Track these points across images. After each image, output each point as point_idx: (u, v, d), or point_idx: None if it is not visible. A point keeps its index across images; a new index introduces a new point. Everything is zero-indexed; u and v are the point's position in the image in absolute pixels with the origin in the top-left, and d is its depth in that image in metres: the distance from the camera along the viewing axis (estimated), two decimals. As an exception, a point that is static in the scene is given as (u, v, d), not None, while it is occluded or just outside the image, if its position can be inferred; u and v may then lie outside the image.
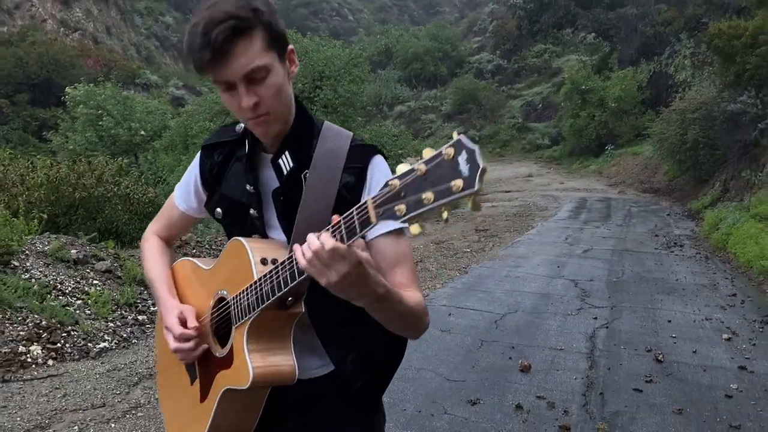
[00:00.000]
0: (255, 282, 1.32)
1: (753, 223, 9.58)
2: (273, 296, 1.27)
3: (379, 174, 1.41)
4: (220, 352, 1.43)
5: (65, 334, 4.24)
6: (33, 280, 4.68)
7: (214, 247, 8.14)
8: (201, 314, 1.51)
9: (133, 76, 38.94)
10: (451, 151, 0.99)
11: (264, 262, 1.35)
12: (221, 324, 1.47)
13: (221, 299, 1.46)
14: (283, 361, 1.36)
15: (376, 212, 1.07)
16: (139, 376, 3.92)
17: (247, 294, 1.34)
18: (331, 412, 1.49)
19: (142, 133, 19.00)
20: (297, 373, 1.36)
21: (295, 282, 1.23)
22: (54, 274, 4.91)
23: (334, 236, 1.13)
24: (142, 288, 5.41)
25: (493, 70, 48.39)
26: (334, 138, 1.43)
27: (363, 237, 1.14)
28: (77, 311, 4.57)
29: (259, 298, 1.30)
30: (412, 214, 1.02)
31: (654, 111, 22.94)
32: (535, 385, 4.04)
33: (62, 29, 43.86)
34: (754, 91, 13.60)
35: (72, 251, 5.30)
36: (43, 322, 4.22)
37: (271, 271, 1.28)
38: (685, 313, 6.04)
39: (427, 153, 1.03)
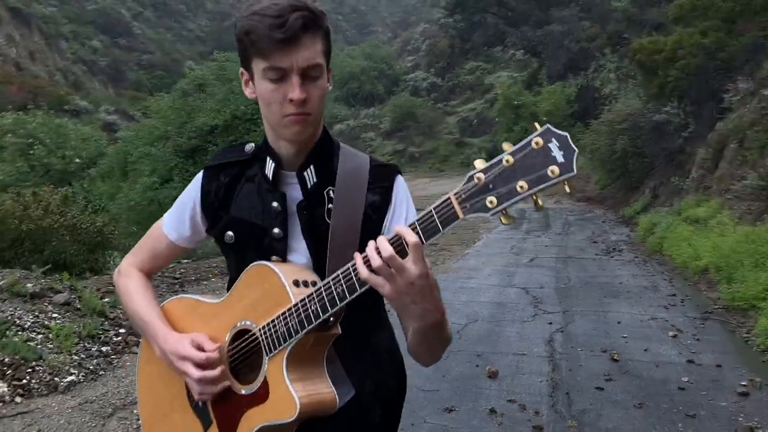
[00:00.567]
0: (294, 305, 1.25)
1: (685, 226, 10.16)
2: (324, 314, 1.22)
3: (402, 192, 1.41)
4: (246, 388, 1.33)
5: (30, 370, 4.14)
6: (-10, 316, 4.56)
7: (166, 274, 8.03)
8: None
9: (62, 103, 37.72)
10: (540, 140, 1.01)
11: (297, 284, 1.28)
12: (239, 360, 1.38)
13: (242, 332, 1.36)
14: (324, 389, 1.30)
15: (463, 207, 1.07)
16: (113, 407, 3.88)
17: (285, 319, 1.26)
18: None
19: (77, 160, 18.48)
20: (338, 401, 1.31)
21: (355, 294, 1.19)
22: (11, 309, 4.78)
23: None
24: (102, 319, 5.33)
25: (428, 87, 49.32)
26: (354, 157, 1.42)
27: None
28: (39, 346, 4.47)
29: (305, 320, 1.24)
30: (504, 205, 1.04)
31: (583, 123, 23.84)
32: (505, 390, 4.22)
33: (-18, 56, 42.17)
34: (676, 102, 14.43)
35: (28, 285, 5.18)
36: (6, 359, 4.11)
37: (318, 289, 1.23)
38: (632, 314, 6.37)
39: (508, 146, 1.05)
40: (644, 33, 22.07)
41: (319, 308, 1.22)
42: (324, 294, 1.21)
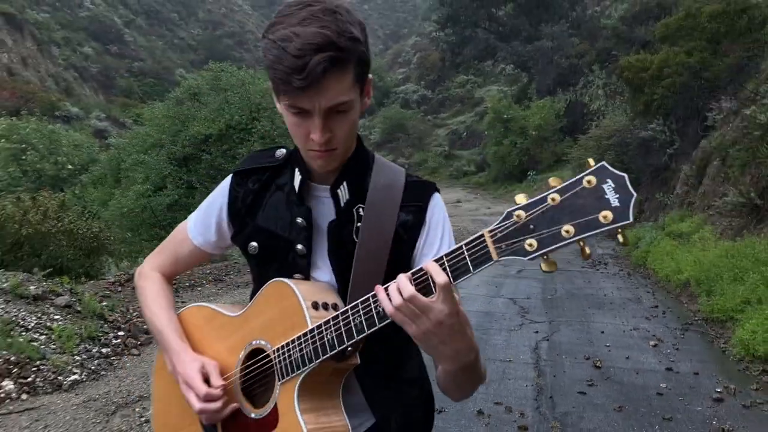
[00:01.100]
0: (311, 330, 1.18)
1: (668, 241, 10.43)
2: (341, 345, 1.14)
3: (438, 213, 1.31)
4: (256, 412, 1.27)
5: (35, 369, 4.29)
6: (-5, 317, 4.70)
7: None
8: (225, 368, 1.33)
9: (53, 108, 37.72)
10: (593, 178, 0.90)
11: (316, 306, 1.21)
12: (253, 380, 1.31)
13: (257, 351, 1.29)
14: (336, 422, 1.21)
15: (497, 248, 0.96)
16: (116, 405, 4.03)
17: (300, 344, 1.19)
18: None
19: (70, 167, 18.56)
20: None
21: (373, 329, 1.11)
22: (15, 310, 4.92)
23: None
24: (101, 322, 5.48)
25: (418, 100, 49.81)
26: (389, 172, 1.33)
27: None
28: (43, 346, 4.61)
29: (320, 348, 1.16)
30: (547, 249, 0.92)
31: (572, 138, 24.19)
32: (492, 393, 4.41)
33: (-26, 60, 42.13)
34: (662, 120, 14.75)
35: (30, 287, 5.32)
36: (12, 358, 4.26)
37: (336, 317, 1.16)
38: (616, 325, 6.59)
39: (556, 181, 0.94)
40: (632, 50, 22.50)
41: (335, 338, 1.14)
42: (342, 323, 1.14)
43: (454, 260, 1.00)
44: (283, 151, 1.38)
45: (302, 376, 1.19)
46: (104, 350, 5.04)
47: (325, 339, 1.15)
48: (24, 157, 18.39)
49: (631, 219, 0.87)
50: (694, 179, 12.60)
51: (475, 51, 37.59)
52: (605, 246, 13.50)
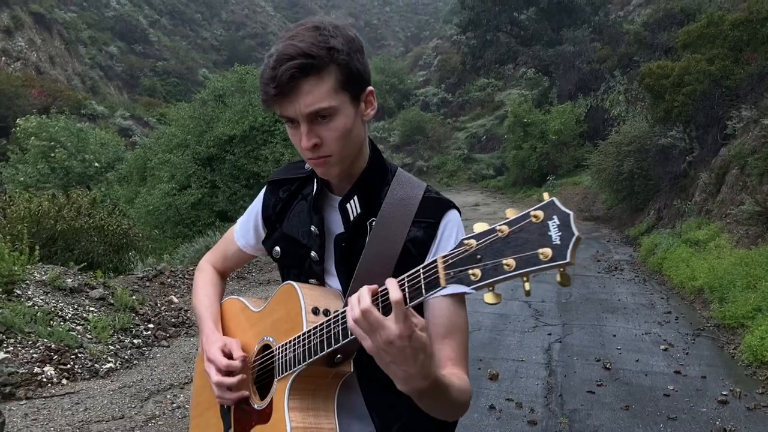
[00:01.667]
0: (303, 333, 1.23)
1: (684, 248, 10.51)
2: (321, 351, 1.18)
3: (450, 230, 1.31)
4: (258, 404, 1.34)
5: (74, 356, 4.58)
6: (36, 307, 4.99)
7: (187, 277, 8.45)
8: (247, 353, 1.41)
9: (79, 107, 38.45)
10: (540, 213, 0.89)
11: (316, 311, 1.26)
12: (263, 373, 1.38)
13: (266, 346, 1.36)
14: (324, 424, 1.25)
15: (446, 274, 0.96)
16: (149, 392, 4.30)
17: (294, 345, 1.24)
18: None
19: (96, 165, 19.01)
20: None
21: (346, 340, 1.13)
22: (54, 301, 5.23)
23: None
24: (133, 314, 5.76)
25: (438, 102, 49.84)
26: (407, 187, 1.35)
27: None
28: (80, 336, 4.90)
29: (307, 352, 1.21)
30: (487, 282, 0.92)
31: (592, 143, 24.10)
32: (504, 390, 4.61)
33: (4, 58, 43.01)
34: (681, 127, 14.77)
35: (67, 280, 5.62)
36: (53, 346, 4.55)
37: (322, 324, 1.20)
38: (628, 329, 6.74)
39: (511, 213, 0.94)
40: (654, 56, 22.48)
41: (318, 344, 1.19)
42: (325, 330, 1.18)
43: (412, 282, 1.01)
44: None
45: (293, 375, 1.24)
46: (136, 341, 5.31)
47: (312, 343, 1.19)
48: (53, 155, 18.85)
49: (568, 259, 0.84)
50: (713, 187, 12.64)
51: (496, 55, 37.55)
52: (622, 252, 13.59)
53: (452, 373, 1.18)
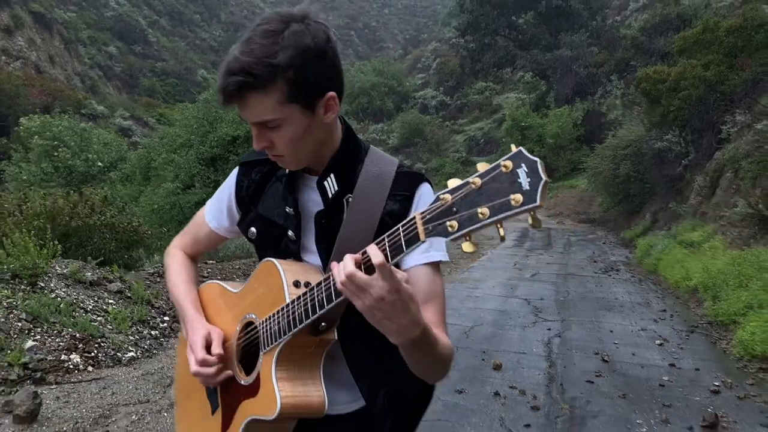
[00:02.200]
0: (287, 305, 1.27)
1: (680, 249, 10.77)
2: (306, 319, 1.22)
3: (425, 202, 1.35)
4: (245, 379, 1.37)
5: (97, 345, 4.79)
6: (59, 298, 5.20)
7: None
8: (228, 339, 1.45)
9: (79, 107, 38.61)
10: (510, 163, 0.94)
11: (297, 284, 1.30)
12: (248, 350, 1.42)
13: (249, 323, 1.40)
14: (312, 392, 1.29)
15: (425, 228, 1.02)
16: (171, 379, 4.51)
17: (278, 318, 1.28)
18: None
19: (99, 164, 19.21)
20: (326, 405, 1.30)
21: (331, 304, 1.18)
22: (75, 293, 5.44)
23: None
24: (149, 307, 5.98)
25: (437, 105, 50.16)
26: (380, 163, 1.39)
27: (397, 264, 1.10)
28: (101, 326, 5.12)
29: (291, 322, 1.25)
30: (464, 231, 0.97)
31: (588, 147, 24.33)
32: (507, 379, 4.84)
33: (4, 58, 43.15)
34: (677, 131, 15.02)
35: (87, 274, 5.83)
36: (77, 335, 4.76)
37: (305, 293, 1.24)
38: (624, 325, 6.97)
39: (482, 167, 0.99)
40: (651, 61, 22.74)
41: (302, 312, 1.23)
42: (308, 299, 1.23)
43: (392, 240, 1.07)
44: None
45: (279, 347, 1.27)
46: (153, 332, 5.53)
47: (296, 313, 1.23)
48: (56, 154, 19.04)
49: (538, 202, 0.90)
50: (708, 190, 12.90)
51: (494, 58, 37.88)
52: (618, 254, 13.85)
53: (437, 333, 1.22)
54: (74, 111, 36.91)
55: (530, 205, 0.90)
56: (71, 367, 4.44)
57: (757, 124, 11.12)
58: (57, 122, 19.64)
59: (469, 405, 4.26)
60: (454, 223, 0.97)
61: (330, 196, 1.35)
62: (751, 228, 9.48)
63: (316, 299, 1.20)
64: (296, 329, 1.23)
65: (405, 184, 1.36)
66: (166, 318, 5.97)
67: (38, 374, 4.20)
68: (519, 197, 0.91)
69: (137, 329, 5.44)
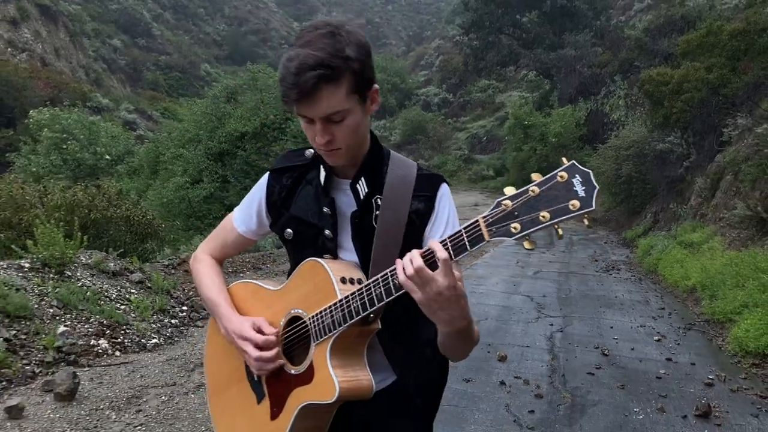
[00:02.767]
0: (339, 300, 1.39)
1: (679, 250, 11.01)
2: (364, 312, 1.35)
3: (445, 201, 1.53)
4: (296, 369, 1.49)
5: (123, 332, 5.05)
6: (85, 287, 5.46)
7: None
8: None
9: (84, 99, 38.80)
10: (565, 174, 1.11)
11: (344, 281, 1.42)
12: (292, 343, 1.52)
13: (295, 318, 1.51)
14: (362, 376, 1.43)
15: (489, 230, 1.17)
16: (193, 364, 4.77)
17: (331, 312, 1.40)
18: (392, 423, 1.56)
19: (107, 157, 19.44)
20: (374, 388, 1.44)
21: (390, 297, 1.32)
22: (99, 282, 5.70)
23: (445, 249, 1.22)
24: (169, 297, 6.23)
25: (439, 103, 50.23)
26: (402, 166, 1.54)
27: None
28: (125, 314, 5.37)
29: (347, 315, 1.38)
30: (527, 231, 1.13)
31: (591, 147, 24.46)
32: (512, 370, 5.10)
33: (9, 50, 43.31)
34: (679, 133, 15.19)
35: (109, 264, 6.09)
36: (105, 322, 5.02)
37: (360, 289, 1.37)
38: (624, 322, 7.22)
39: (536, 177, 1.16)
40: (655, 62, 22.85)
41: (359, 306, 1.36)
42: (365, 294, 1.36)
43: (455, 240, 1.23)
44: (312, 151, 1.58)
45: (333, 338, 1.41)
46: (173, 321, 5.79)
47: (352, 307, 1.37)
48: (65, 146, 19.27)
49: (593, 206, 1.07)
50: (708, 192, 13.09)
51: (498, 56, 37.89)
52: (619, 253, 14.09)
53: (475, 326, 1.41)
54: (79, 104, 37.20)
55: (587, 209, 1.08)
56: (100, 351, 4.70)
57: (758, 128, 11.33)
58: (66, 115, 19.89)
59: (477, 393, 4.51)
60: (517, 225, 1.14)
61: (362, 197, 1.49)
62: (749, 230, 9.71)
63: (373, 293, 1.34)
64: (352, 321, 1.37)
65: (427, 185, 1.52)
66: (185, 308, 6.22)
67: (71, 357, 4.45)
68: (576, 202, 1.09)
69: (158, 318, 5.69)
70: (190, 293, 6.79)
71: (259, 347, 1.49)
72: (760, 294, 6.68)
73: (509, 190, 1.19)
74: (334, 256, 1.52)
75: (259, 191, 1.65)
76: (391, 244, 1.41)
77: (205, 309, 6.29)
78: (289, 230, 1.58)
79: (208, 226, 13.78)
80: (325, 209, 1.52)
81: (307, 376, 1.44)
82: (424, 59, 65.36)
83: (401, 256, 1.31)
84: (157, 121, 42.39)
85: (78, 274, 5.66)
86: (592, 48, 32.66)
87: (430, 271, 1.22)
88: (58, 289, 5.07)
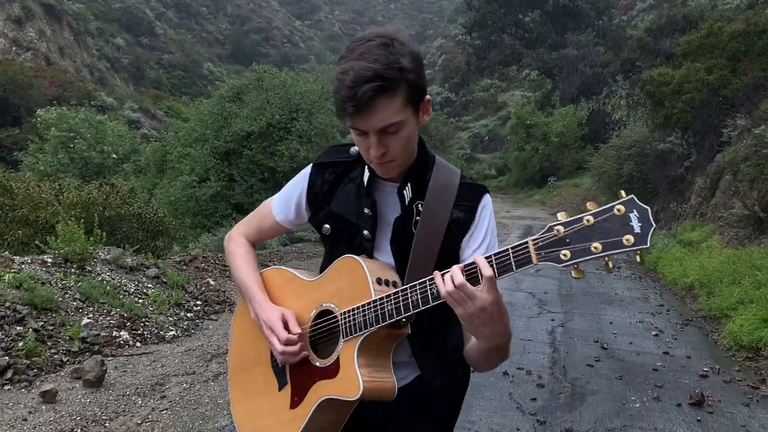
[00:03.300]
0: (374, 301, 1.39)
1: (679, 248, 11.22)
2: (398, 316, 1.35)
3: (486, 213, 1.51)
4: (321, 362, 1.48)
5: (142, 324, 5.28)
6: (104, 282, 5.69)
7: (218, 262, 9.14)
8: (299, 321, 1.54)
9: (89, 98, 39.05)
10: (622, 208, 1.08)
11: (379, 281, 1.42)
12: (320, 335, 1.52)
13: (326, 311, 1.51)
14: (386, 378, 1.43)
15: (537, 254, 1.16)
16: (210, 355, 5.00)
17: (364, 311, 1.40)
18: (413, 421, 1.54)
19: (114, 156, 19.69)
20: (396, 391, 1.44)
21: (426, 306, 1.32)
22: (118, 277, 5.93)
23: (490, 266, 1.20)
24: (183, 292, 6.46)
25: (442, 102, 50.36)
26: (446, 173, 1.53)
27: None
28: (143, 308, 5.60)
29: (380, 316, 1.37)
30: (578, 260, 1.11)
31: (593, 146, 24.57)
32: (515, 361, 5.32)
33: (14, 48, 43.58)
34: (680, 133, 15.35)
35: (127, 260, 6.32)
36: (125, 314, 5.25)
37: (396, 293, 1.37)
38: (623, 318, 7.44)
39: (592, 206, 1.13)
40: (656, 62, 23.00)
41: (393, 309, 1.36)
42: (401, 298, 1.36)
43: (501, 259, 1.22)
44: (356, 149, 1.55)
45: (362, 337, 1.40)
46: (188, 314, 6.02)
47: (386, 309, 1.36)
48: (72, 145, 19.52)
49: (648, 245, 1.06)
50: (708, 191, 13.27)
51: (500, 56, 38.05)
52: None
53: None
54: (84, 103, 37.42)
55: (641, 246, 1.08)
56: (122, 342, 4.93)
57: (756, 128, 11.52)
58: (73, 114, 20.15)
59: (481, 382, 4.74)
60: (567, 253, 1.13)
61: (407, 203, 1.49)
62: (747, 229, 9.92)
63: (410, 299, 1.34)
64: (384, 323, 1.37)
65: (469, 195, 1.51)
66: (198, 302, 6.45)
67: (96, 347, 4.68)
68: (631, 238, 1.08)
69: (174, 311, 5.93)
70: (203, 288, 7.02)
71: (282, 343, 1.50)
72: (755, 290, 6.90)
73: (562, 216, 1.18)
74: (370, 257, 1.52)
75: (301, 182, 1.65)
76: (429, 250, 1.41)
77: (217, 304, 6.53)
78: (327, 226, 1.58)
79: (215, 224, 14.03)
80: (366, 210, 1.52)
81: (332, 371, 1.45)
82: (427, 58, 65.41)
83: (437, 264, 1.36)
84: (161, 120, 42.62)
85: (98, 269, 5.90)
86: (594, 48, 32.81)
87: (471, 287, 1.23)
88: (80, 283, 5.30)
